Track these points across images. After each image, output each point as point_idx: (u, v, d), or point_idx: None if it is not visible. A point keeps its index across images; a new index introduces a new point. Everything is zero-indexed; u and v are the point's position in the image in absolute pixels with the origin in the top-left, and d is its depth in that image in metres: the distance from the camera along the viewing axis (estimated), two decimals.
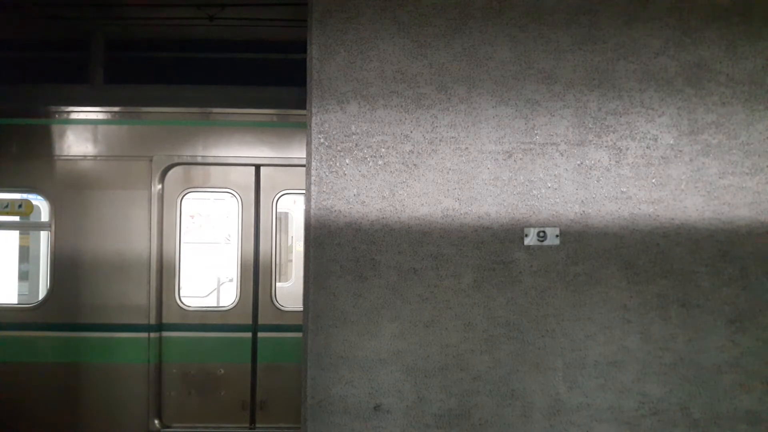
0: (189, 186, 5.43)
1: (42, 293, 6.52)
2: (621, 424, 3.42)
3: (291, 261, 7.93)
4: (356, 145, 3.43)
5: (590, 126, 3.46)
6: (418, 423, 3.39)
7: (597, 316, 3.43)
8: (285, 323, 5.36)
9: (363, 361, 3.39)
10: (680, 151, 3.47)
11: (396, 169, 3.43)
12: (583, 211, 3.45)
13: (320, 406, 3.37)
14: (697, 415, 3.42)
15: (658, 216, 3.45)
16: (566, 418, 3.41)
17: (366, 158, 3.43)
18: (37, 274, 6.82)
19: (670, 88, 3.47)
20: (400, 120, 3.44)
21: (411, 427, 3.39)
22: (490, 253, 3.43)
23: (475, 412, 3.40)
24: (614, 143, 3.46)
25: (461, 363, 3.40)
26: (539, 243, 3.43)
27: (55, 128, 5.37)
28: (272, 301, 5.41)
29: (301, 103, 3.85)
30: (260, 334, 5.39)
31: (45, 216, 5.68)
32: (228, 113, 5.41)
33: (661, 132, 3.47)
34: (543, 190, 3.45)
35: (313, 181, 3.41)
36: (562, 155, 3.45)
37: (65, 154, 5.34)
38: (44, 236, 6.43)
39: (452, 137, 3.44)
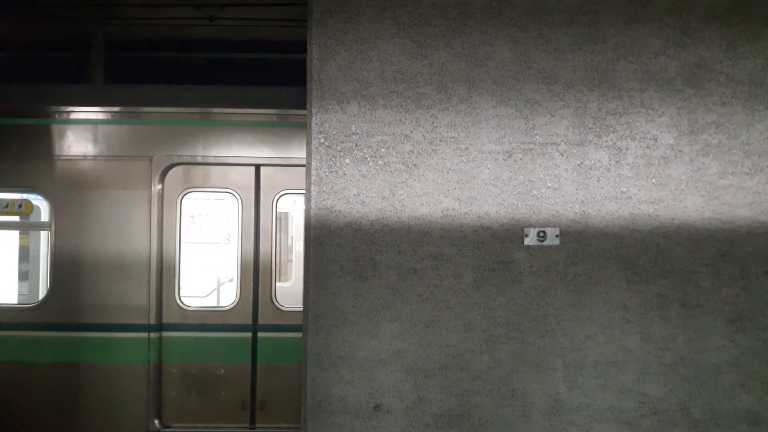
0: (189, 186, 5.43)
1: (42, 293, 6.52)
2: (621, 424, 3.42)
3: (291, 261, 7.93)
4: (356, 145, 3.43)
5: (590, 126, 3.46)
6: (418, 423, 3.39)
7: (597, 316, 3.43)
8: (285, 323, 5.36)
9: (363, 361, 3.39)
10: (680, 151, 3.47)
11: (396, 169, 3.43)
12: (583, 211, 3.45)
13: (320, 406, 3.37)
14: (697, 415, 3.42)
15: (658, 216, 3.45)
16: (566, 418, 3.41)
17: (366, 158, 3.43)
18: (37, 274, 6.82)
19: (670, 88, 3.47)
20: (400, 120, 3.44)
21: (411, 427, 3.39)
22: (490, 253, 3.43)
23: (475, 412, 3.40)
24: (614, 143, 3.46)
25: (461, 363, 3.40)
26: (539, 243, 3.43)
27: (55, 128, 5.37)
28: (272, 301, 5.41)
29: (301, 103, 3.85)
30: (260, 334, 5.39)
31: (45, 216, 5.68)
32: (228, 113, 5.41)
33: (661, 132, 3.47)
34: (543, 190, 3.45)
35: (313, 181, 3.41)
36: (562, 155, 3.45)
37: (65, 154, 5.34)
38: (44, 236, 6.43)
39: (452, 137, 3.44)
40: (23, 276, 7.10)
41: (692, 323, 3.44)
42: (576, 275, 3.43)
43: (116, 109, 5.37)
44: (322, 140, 3.42)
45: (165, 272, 5.33)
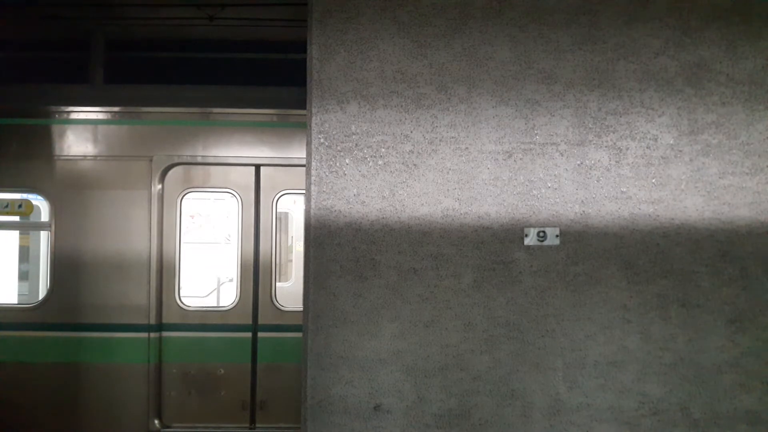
0: (189, 186, 5.43)
1: (42, 293, 6.52)
2: (621, 424, 3.42)
3: (291, 261, 7.93)
4: (356, 145, 3.43)
5: (590, 126, 3.46)
6: (418, 423, 3.39)
7: (597, 316, 3.43)
8: (285, 323, 5.36)
9: (363, 361, 3.39)
10: (680, 151, 3.47)
11: (396, 169, 3.43)
12: (583, 211, 3.45)
13: (320, 406, 3.37)
14: (697, 415, 3.42)
15: (658, 216, 3.45)
16: (566, 418, 3.41)
17: (366, 158, 3.43)
18: (37, 274, 6.82)
19: (670, 88, 3.47)
20: (400, 120, 3.44)
21: (411, 427, 3.39)
22: (490, 253, 3.43)
23: (475, 412, 3.40)
24: (614, 143, 3.46)
25: (461, 363, 3.40)
26: (539, 243, 3.43)
27: (55, 128, 5.37)
28: (272, 301, 5.41)
29: (301, 103, 3.85)
30: (260, 334, 5.39)
31: (45, 216, 5.68)
32: (228, 113, 5.41)
33: (661, 132, 3.47)
34: (543, 190, 3.45)
35: (313, 181, 3.41)
36: (562, 155, 3.45)
37: (65, 154, 5.34)
38: (44, 236, 6.43)
39: (452, 137, 3.44)
40: (23, 276, 7.10)
41: (692, 323, 3.44)
42: (576, 275, 3.43)
43: (116, 109, 5.37)
44: (322, 140, 3.42)
45: (165, 272, 5.33)
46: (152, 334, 5.26)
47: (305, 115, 3.53)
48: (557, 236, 3.43)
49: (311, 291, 3.39)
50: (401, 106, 3.44)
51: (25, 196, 5.52)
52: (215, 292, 8.04)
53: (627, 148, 3.46)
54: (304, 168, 4.14)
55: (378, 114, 3.44)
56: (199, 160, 5.37)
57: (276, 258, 5.50)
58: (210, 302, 7.84)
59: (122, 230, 5.28)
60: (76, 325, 5.25)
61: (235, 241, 5.56)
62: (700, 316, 3.44)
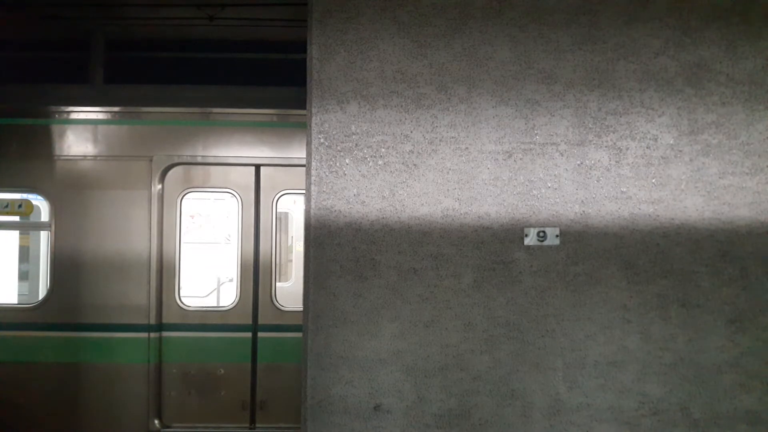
0: (189, 186, 5.43)
1: (42, 293, 6.52)
2: (621, 424, 3.42)
3: (291, 261, 7.93)
4: (356, 145, 3.43)
5: (590, 126, 3.46)
6: (418, 423, 3.39)
7: (597, 316, 3.43)
8: (285, 323, 5.36)
9: (363, 361, 3.39)
10: (680, 151, 3.47)
11: (396, 169, 3.43)
12: (583, 211, 3.45)
13: (320, 406, 3.37)
14: (697, 415, 3.42)
15: (658, 216, 3.45)
16: (566, 418, 3.41)
17: (366, 158, 3.43)
18: (37, 274, 6.82)
19: (670, 88, 3.47)
20: (400, 120, 3.44)
21: (411, 427, 3.39)
22: (490, 253, 3.43)
23: (475, 412, 3.40)
24: (614, 143, 3.46)
25: (461, 363, 3.40)
26: (539, 243, 3.43)
27: (55, 128, 5.37)
28: (272, 301, 5.41)
29: (301, 103, 3.85)
30: (260, 334, 5.40)
31: (45, 216, 5.68)
32: (228, 113, 5.41)
33: (661, 132, 3.47)
34: (543, 190, 3.45)
35: (313, 181, 3.41)
36: (562, 155, 3.45)
37: (65, 154, 5.35)
38: (44, 236, 6.43)
39: (452, 137, 3.44)
40: (23, 276, 7.10)
41: (692, 323, 3.44)
42: (576, 275, 3.43)
43: (116, 109, 5.37)
44: (322, 140, 3.42)
45: (165, 272, 5.33)
46: (152, 334, 5.26)
47: (305, 115, 3.53)
48: (557, 236, 3.43)
49: (311, 291, 3.39)
50: (401, 106, 3.44)
51: (25, 196, 5.52)
52: (215, 292, 8.04)
53: (627, 148, 3.46)
54: (304, 168, 4.14)
55: (378, 114, 3.44)
56: (199, 160, 5.37)
57: (276, 258, 5.50)
58: (210, 302, 7.84)
59: (122, 230, 5.29)
60: (76, 325, 5.25)
61: (235, 241, 5.57)
62: (700, 316, 3.44)
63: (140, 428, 5.27)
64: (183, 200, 5.42)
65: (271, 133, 5.44)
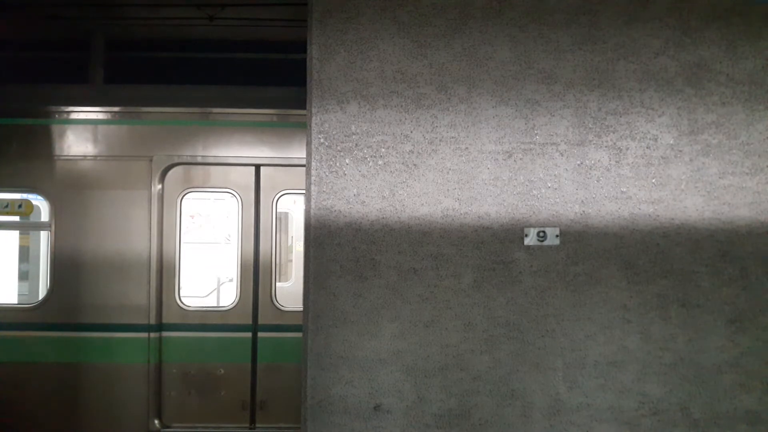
0: (189, 186, 5.42)
1: (42, 293, 6.51)
2: (621, 424, 3.42)
3: (291, 261, 7.93)
4: (356, 145, 3.43)
5: (590, 126, 3.46)
6: (418, 423, 3.39)
7: (597, 316, 3.43)
8: (285, 323, 5.36)
9: (363, 361, 3.39)
10: (680, 151, 3.47)
11: (396, 169, 3.43)
12: (583, 211, 3.45)
13: (320, 406, 3.37)
14: (697, 415, 3.42)
15: (658, 216, 3.45)
16: (566, 418, 3.41)
17: (366, 158, 3.43)
18: (37, 274, 6.82)
19: (670, 88, 3.48)
20: (400, 120, 3.44)
21: (411, 427, 3.39)
22: (490, 253, 3.43)
23: (475, 412, 3.40)
24: (614, 143, 3.46)
25: (461, 363, 3.40)
26: (539, 243, 3.43)
27: (55, 128, 5.36)
28: (272, 301, 5.40)
29: (301, 103, 3.85)
30: (260, 334, 5.39)
31: (45, 216, 5.68)
32: (228, 113, 5.41)
33: (661, 132, 3.47)
34: (543, 190, 3.45)
35: (313, 181, 3.41)
36: (562, 155, 3.45)
37: (65, 154, 5.34)
38: (44, 236, 6.43)
39: (452, 137, 3.44)
40: (23, 276, 7.09)
41: (692, 323, 3.44)
42: (576, 275, 3.43)
43: (116, 109, 5.37)
44: (322, 140, 3.42)
45: (165, 272, 5.33)
46: (152, 334, 5.26)
47: (305, 115, 3.53)
48: (557, 236, 3.43)
49: (311, 291, 3.39)
50: (401, 106, 3.44)
51: (25, 196, 5.52)
52: (215, 292, 8.04)
53: (627, 148, 3.46)
54: (304, 168, 4.14)
55: (378, 114, 3.43)
56: (199, 160, 5.37)
57: (276, 258, 5.50)
58: (210, 302, 7.84)
59: (122, 230, 5.28)
60: (76, 325, 5.25)
61: (235, 241, 5.56)
62: (700, 316, 3.44)
63: (140, 428, 5.26)
64: (183, 200, 5.42)
65: (271, 133, 5.44)
